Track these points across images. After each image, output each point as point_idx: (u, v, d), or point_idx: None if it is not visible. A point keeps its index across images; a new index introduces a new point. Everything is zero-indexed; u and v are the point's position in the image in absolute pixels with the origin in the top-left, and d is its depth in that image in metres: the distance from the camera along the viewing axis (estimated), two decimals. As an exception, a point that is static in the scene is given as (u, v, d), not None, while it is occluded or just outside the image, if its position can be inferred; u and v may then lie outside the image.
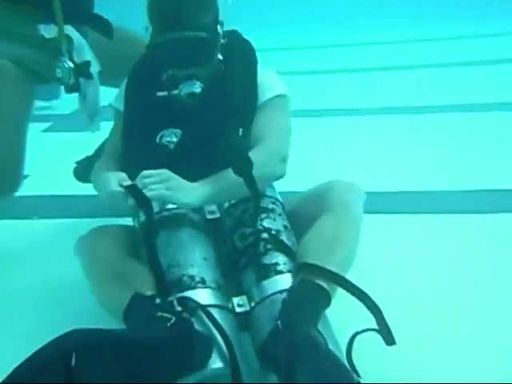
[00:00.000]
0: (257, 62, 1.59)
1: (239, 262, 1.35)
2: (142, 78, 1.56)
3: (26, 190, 2.44)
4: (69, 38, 1.71)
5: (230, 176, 1.32)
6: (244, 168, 1.31)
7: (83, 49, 1.76)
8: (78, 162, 2.25)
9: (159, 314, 1.12)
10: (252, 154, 1.37)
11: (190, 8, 1.43)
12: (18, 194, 2.31)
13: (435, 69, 4.63)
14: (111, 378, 0.95)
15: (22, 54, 1.74)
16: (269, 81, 1.57)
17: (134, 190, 1.29)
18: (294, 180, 1.58)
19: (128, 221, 1.53)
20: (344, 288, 1.21)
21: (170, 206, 1.41)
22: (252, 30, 1.64)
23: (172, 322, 1.10)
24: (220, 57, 1.51)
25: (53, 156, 2.92)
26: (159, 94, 1.48)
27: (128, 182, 1.33)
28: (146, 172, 1.32)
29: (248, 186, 1.31)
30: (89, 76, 1.76)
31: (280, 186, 1.57)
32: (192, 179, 1.36)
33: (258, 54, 1.60)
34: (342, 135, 3.11)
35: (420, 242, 1.90)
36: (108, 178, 1.36)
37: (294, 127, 1.55)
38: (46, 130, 3.60)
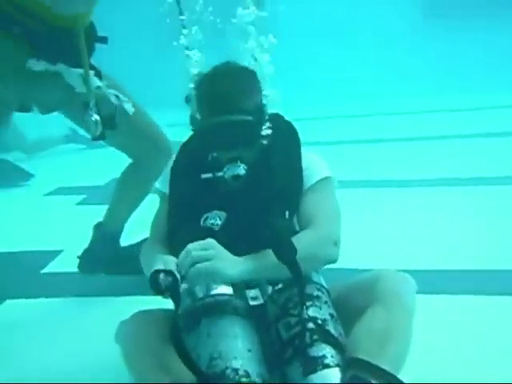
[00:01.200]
0: (300, 144, 1.60)
1: (284, 353, 1.30)
2: (188, 160, 1.60)
3: (59, 266, 2.45)
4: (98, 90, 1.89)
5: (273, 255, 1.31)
6: (287, 254, 1.29)
7: (109, 97, 1.94)
8: (79, 257, 2.30)
9: None
10: (304, 236, 1.39)
11: (237, 94, 1.46)
12: (50, 271, 2.32)
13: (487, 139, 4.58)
14: None
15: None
16: (314, 164, 1.57)
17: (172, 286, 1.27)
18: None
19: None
20: None
21: (214, 291, 1.38)
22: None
23: None
24: (264, 140, 1.53)
25: (87, 230, 2.93)
26: (204, 176, 1.49)
27: (173, 266, 1.30)
28: (190, 245, 1.31)
29: (292, 272, 1.28)
30: (114, 127, 1.92)
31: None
32: None
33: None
34: (391, 207, 3.07)
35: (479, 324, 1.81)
36: (155, 261, 1.34)
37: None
38: (79, 203, 3.65)
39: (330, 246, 1.43)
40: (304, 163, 1.56)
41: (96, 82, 1.92)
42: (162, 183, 1.63)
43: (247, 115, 1.45)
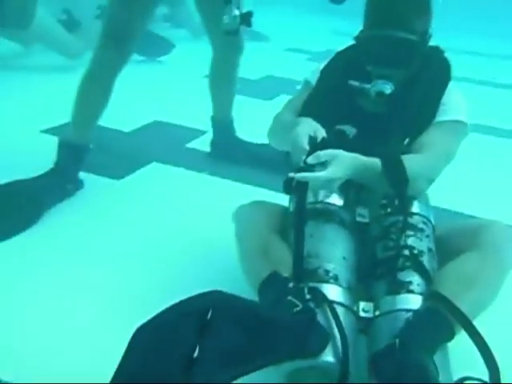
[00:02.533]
0: (449, 81, 1.60)
1: (376, 270, 1.40)
2: (342, 64, 1.65)
3: (201, 144, 2.71)
4: None
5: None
6: (400, 183, 1.36)
7: None
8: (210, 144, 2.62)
9: (289, 298, 1.21)
10: (406, 159, 1.42)
11: (409, 10, 1.45)
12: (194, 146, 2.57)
13: None
14: (237, 340, 1.06)
15: None
16: (454, 103, 1.57)
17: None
18: (455, 198, 1.57)
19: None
20: (467, 333, 1.21)
21: (326, 200, 1.49)
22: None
23: (298, 309, 1.19)
24: (417, 65, 1.53)
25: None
26: (351, 82, 1.54)
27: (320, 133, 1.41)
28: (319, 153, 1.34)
29: (399, 199, 1.36)
30: (250, 25, 2.04)
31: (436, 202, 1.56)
32: None
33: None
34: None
35: None
36: (298, 123, 1.45)
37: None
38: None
39: (423, 180, 1.47)
40: (445, 98, 1.56)
41: None
42: (312, 75, 1.70)
43: (414, 35, 1.45)
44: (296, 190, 1.36)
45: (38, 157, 2.25)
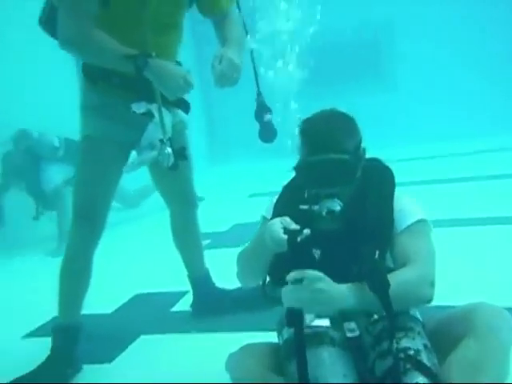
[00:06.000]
0: (394, 188, 1.67)
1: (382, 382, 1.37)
2: (291, 192, 1.73)
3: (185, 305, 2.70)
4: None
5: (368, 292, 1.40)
6: (381, 287, 1.38)
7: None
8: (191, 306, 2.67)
9: None
10: (401, 273, 1.45)
11: (335, 134, 1.57)
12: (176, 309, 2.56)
13: None
14: None
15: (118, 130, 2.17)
16: (408, 207, 1.63)
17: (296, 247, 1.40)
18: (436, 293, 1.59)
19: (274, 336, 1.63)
20: None
21: (313, 323, 1.50)
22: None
23: None
24: (360, 180, 1.62)
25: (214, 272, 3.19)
26: (302, 206, 1.59)
27: (293, 227, 1.46)
28: (298, 273, 1.37)
29: (383, 305, 1.37)
30: (185, 159, 2.17)
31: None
32: None
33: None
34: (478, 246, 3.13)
35: None
36: (273, 223, 1.49)
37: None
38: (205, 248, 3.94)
39: (426, 286, 1.47)
40: (399, 205, 1.62)
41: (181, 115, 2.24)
42: (267, 211, 1.77)
43: (346, 155, 1.56)
44: (291, 322, 1.38)
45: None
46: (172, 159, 2.09)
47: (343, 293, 1.41)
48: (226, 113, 8.76)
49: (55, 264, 2.27)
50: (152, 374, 2.15)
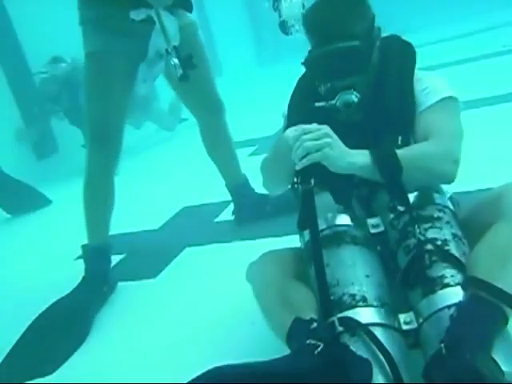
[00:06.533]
0: (414, 64, 1.52)
1: (406, 278, 1.29)
2: (303, 90, 1.61)
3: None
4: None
5: None
6: (394, 175, 1.29)
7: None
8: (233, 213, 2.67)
9: (308, 341, 1.12)
10: (421, 146, 1.36)
11: (342, 19, 1.42)
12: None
13: None
14: None
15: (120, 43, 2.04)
16: (434, 84, 1.49)
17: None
18: (466, 178, 1.45)
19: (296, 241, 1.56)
20: None
21: (333, 222, 1.42)
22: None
23: (319, 350, 1.09)
24: (376, 64, 1.48)
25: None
26: (317, 104, 1.48)
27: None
28: (306, 127, 1.32)
29: (395, 193, 1.30)
30: (193, 67, 2.02)
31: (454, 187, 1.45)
32: None
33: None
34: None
35: None
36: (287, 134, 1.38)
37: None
38: (251, 154, 3.88)
39: (448, 162, 1.35)
40: (423, 83, 1.49)
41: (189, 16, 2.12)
42: (285, 108, 1.65)
43: (356, 40, 1.40)
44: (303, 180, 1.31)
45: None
46: (180, 70, 1.97)
47: (354, 151, 1.33)
48: (274, 14, 8.33)
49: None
50: (195, 285, 2.17)
